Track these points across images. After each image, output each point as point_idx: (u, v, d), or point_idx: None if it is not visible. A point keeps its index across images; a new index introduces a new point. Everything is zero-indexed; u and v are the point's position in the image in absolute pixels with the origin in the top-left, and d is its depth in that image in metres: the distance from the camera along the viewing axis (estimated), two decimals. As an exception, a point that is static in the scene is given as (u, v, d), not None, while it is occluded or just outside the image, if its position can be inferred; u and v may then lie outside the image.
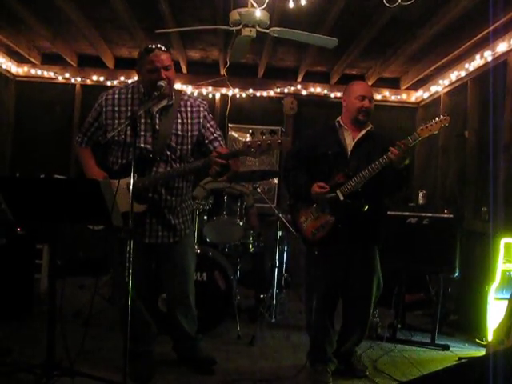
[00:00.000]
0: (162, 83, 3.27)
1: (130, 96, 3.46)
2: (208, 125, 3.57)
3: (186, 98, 3.58)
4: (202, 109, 3.57)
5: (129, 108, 3.41)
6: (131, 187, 2.90)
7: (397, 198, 4.04)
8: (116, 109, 3.43)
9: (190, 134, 3.49)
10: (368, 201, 3.52)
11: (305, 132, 3.32)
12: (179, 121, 3.47)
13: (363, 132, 3.71)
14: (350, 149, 3.67)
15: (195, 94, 7.33)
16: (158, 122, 3.41)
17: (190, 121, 3.50)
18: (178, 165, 3.46)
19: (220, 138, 3.60)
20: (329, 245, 3.63)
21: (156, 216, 3.45)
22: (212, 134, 3.57)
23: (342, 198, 3.52)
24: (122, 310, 3.41)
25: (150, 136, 3.39)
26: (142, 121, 3.38)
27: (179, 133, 3.45)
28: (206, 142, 3.55)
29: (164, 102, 3.44)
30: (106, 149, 3.55)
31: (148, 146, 3.38)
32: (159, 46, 3.35)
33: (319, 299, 3.69)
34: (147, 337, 3.65)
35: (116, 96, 3.46)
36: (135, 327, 3.39)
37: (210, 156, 3.28)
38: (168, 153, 3.41)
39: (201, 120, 3.54)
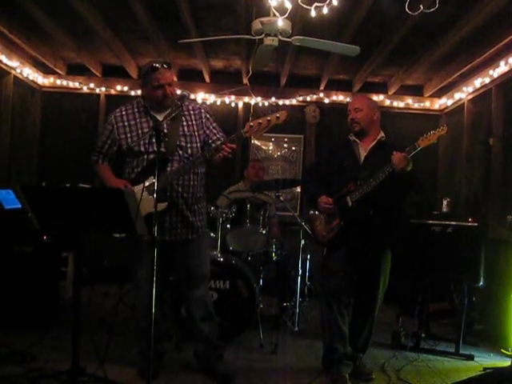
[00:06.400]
0: (185, 93, 3.53)
1: (136, 110, 3.74)
2: (211, 126, 3.83)
3: (187, 103, 3.79)
4: (203, 111, 3.83)
5: (137, 121, 3.70)
6: (155, 187, 3.10)
7: (411, 203, 4.31)
8: (126, 124, 3.70)
9: (196, 133, 3.74)
10: (375, 206, 3.76)
11: (323, 146, 3.61)
12: (184, 123, 3.72)
13: (374, 142, 3.94)
14: (362, 159, 3.91)
15: (218, 103, 7.46)
16: (165, 126, 3.64)
17: (194, 122, 3.76)
18: None
19: (222, 139, 3.75)
20: (338, 246, 3.88)
21: (176, 214, 3.64)
22: (215, 134, 3.81)
23: (350, 204, 3.79)
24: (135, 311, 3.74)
25: (162, 141, 3.54)
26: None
27: (187, 133, 3.70)
28: (210, 141, 3.78)
29: (167, 111, 3.65)
30: (119, 163, 3.80)
31: (162, 149, 3.53)
32: (163, 64, 3.59)
33: (329, 297, 3.88)
34: (156, 335, 3.66)
35: (124, 113, 3.73)
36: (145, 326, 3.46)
37: (219, 144, 3.50)
38: (180, 152, 3.64)
39: (203, 120, 3.79)
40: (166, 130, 3.62)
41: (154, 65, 3.54)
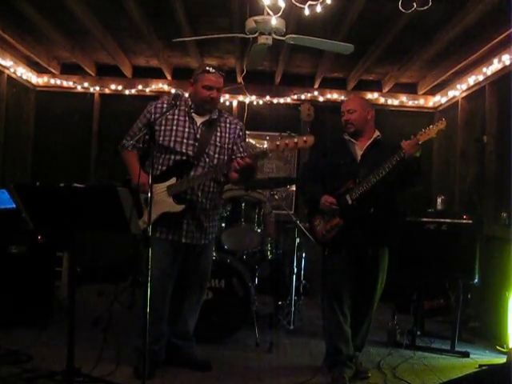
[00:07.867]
0: (179, 92, 3.49)
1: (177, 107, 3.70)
2: (240, 144, 3.91)
3: (226, 115, 3.95)
4: (238, 127, 3.95)
5: (175, 117, 3.76)
6: (150, 194, 3.03)
7: (412, 195, 4.37)
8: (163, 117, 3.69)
9: (226, 146, 3.84)
10: (376, 204, 3.75)
11: (317, 144, 3.57)
12: (218, 133, 3.80)
13: (370, 141, 3.94)
14: (359, 158, 3.90)
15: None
16: (199, 131, 3.73)
17: (227, 135, 3.86)
18: None
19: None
20: (339, 245, 3.85)
21: (192, 217, 3.71)
22: (241, 152, 3.89)
23: (350, 202, 3.76)
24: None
25: (192, 144, 3.70)
26: (186, 130, 3.72)
27: (217, 144, 3.78)
28: (233, 157, 3.82)
29: (207, 117, 3.78)
30: (146, 153, 3.79)
31: (189, 152, 3.68)
32: (220, 71, 3.79)
33: (331, 298, 3.86)
34: (154, 335, 3.66)
35: (165, 105, 3.77)
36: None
37: (238, 158, 3.56)
38: (207, 160, 3.72)
39: (235, 136, 3.91)
40: (198, 136, 3.71)
41: (209, 68, 3.70)
